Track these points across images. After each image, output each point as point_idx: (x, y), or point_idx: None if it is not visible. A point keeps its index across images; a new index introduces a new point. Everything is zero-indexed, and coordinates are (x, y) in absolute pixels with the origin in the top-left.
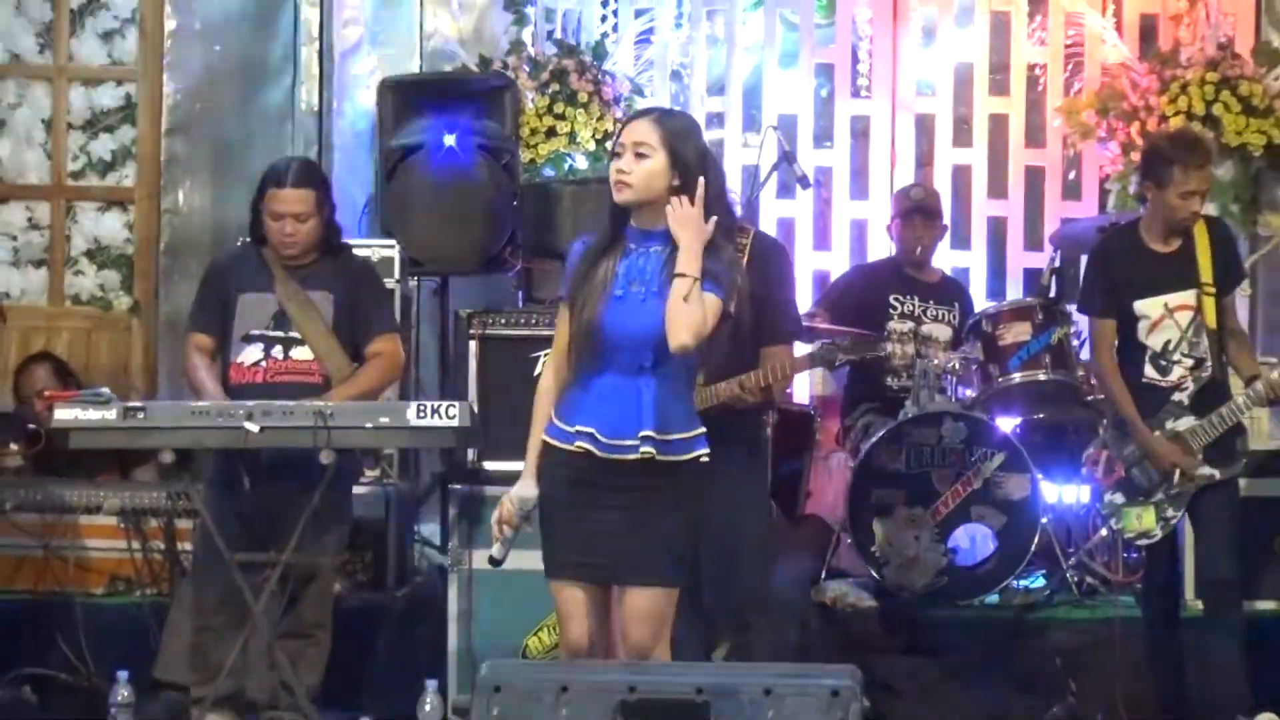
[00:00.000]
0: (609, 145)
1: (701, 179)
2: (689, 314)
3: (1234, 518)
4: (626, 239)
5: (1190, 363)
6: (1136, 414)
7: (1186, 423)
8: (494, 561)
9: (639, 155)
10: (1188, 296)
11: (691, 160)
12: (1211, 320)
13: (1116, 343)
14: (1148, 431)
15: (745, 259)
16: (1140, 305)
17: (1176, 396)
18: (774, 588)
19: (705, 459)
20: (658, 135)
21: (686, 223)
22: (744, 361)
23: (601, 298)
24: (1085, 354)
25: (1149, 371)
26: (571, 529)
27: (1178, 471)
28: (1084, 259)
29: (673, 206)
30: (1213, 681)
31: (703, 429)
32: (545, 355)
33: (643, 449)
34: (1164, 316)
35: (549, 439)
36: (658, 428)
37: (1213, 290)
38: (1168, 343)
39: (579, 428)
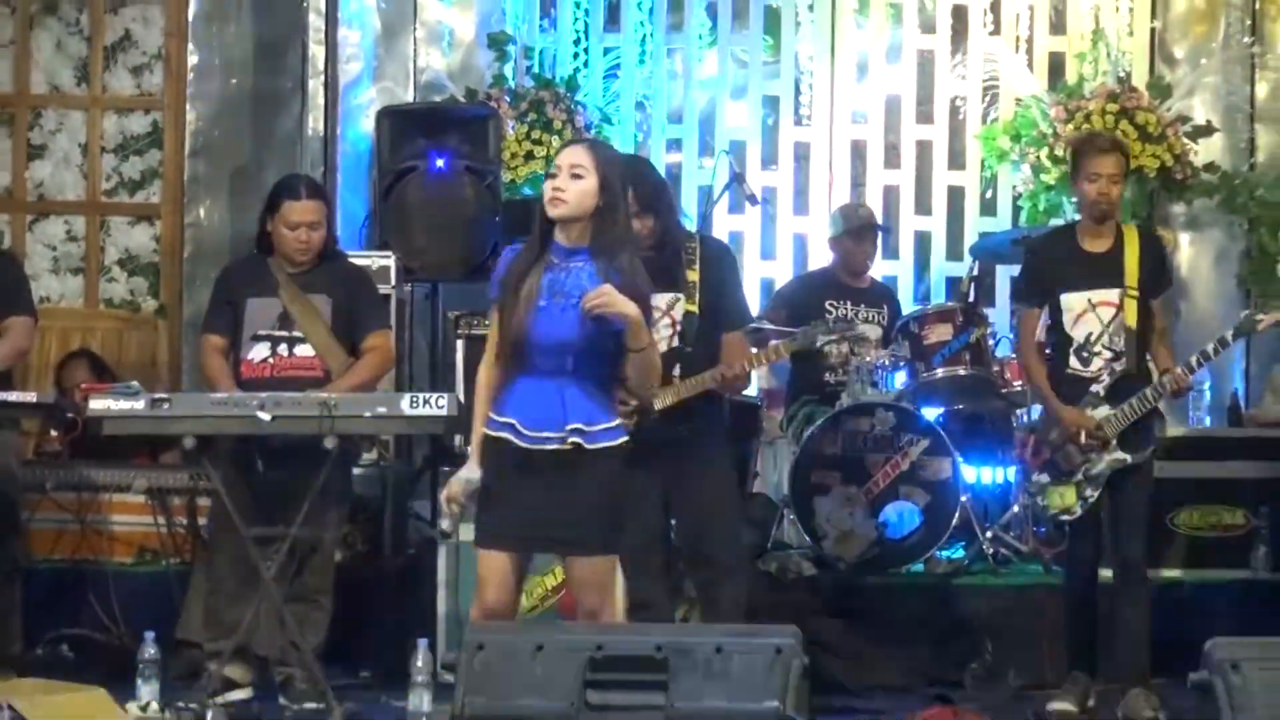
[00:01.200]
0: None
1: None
2: (656, 368)
3: (1146, 502)
4: (551, 253)
5: (1109, 355)
6: (1051, 393)
7: (1102, 412)
8: (444, 534)
9: (575, 176)
10: (1111, 294)
11: (616, 186)
12: (1132, 320)
13: (1040, 333)
14: (1058, 402)
15: (696, 261)
16: (1066, 298)
17: (1094, 388)
18: (742, 551)
19: (626, 444)
20: (592, 160)
21: (614, 300)
22: (710, 349)
23: (527, 307)
24: (1000, 351)
25: (1073, 362)
26: (503, 505)
27: (1083, 434)
28: (1000, 268)
29: (595, 299)
30: (1120, 647)
31: (619, 420)
32: None
33: (570, 439)
34: (1086, 310)
35: (485, 428)
36: (584, 421)
37: (1135, 293)
38: (1089, 335)
39: (505, 419)
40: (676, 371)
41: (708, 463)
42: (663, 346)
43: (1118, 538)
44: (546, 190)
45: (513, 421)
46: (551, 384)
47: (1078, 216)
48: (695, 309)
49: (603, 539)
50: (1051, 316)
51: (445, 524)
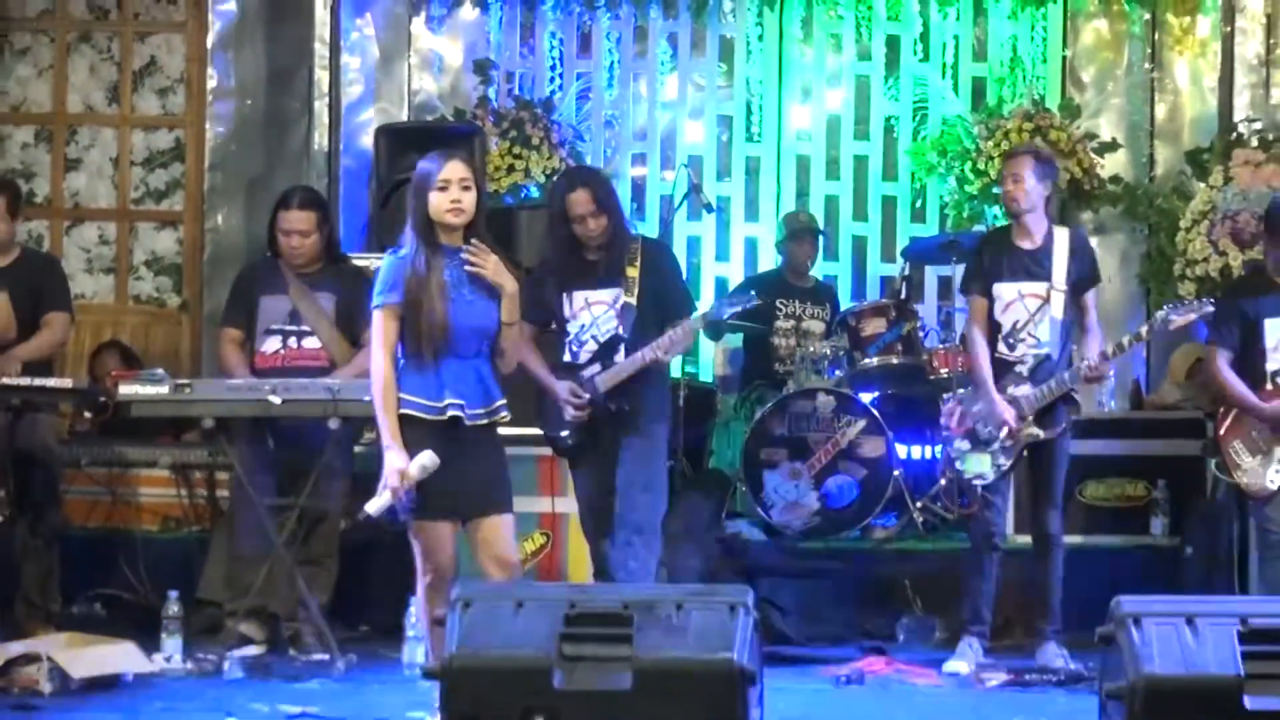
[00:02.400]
0: (554, 179)
1: None
2: (520, 342)
3: (1060, 476)
4: (442, 254)
5: (1033, 341)
6: (988, 375)
7: (1023, 390)
8: (366, 516)
9: (465, 188)
10: (1039, 288)
11: (484, 191)
12: (1058, 311)
13: (984, 318)
14: (994, 391)
15: (637, 260)
16: (998, 288)
17: (1018, 368)
18: (679, 516)
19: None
20: (471, 172)
21: (501, 270)
22: (649, 336)
23: (444, 302)
24: (929, 343)
25: (1000, 347)
26: (440, 480)
27: (1006, 427)
28: (928, 269)
29: (478, 257)
30: (1035, 605)
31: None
32: None
33: (501, 414)
34: (1015, 300)
35: (417, 414)
36: (499, 398)
37: (1063, 287)
38: (1016, 323)
39: (449, 401)
40: (620, 355)
41: (638, 432)
42: (608, 334)
43: (1034, 508)
44: (443, 201)
45: (460, 403)
46: (471, 366)
47: (1001, 221)
48: (633, 301)
49: (510, 498)
50: (989, 305)
51: (374, 507)
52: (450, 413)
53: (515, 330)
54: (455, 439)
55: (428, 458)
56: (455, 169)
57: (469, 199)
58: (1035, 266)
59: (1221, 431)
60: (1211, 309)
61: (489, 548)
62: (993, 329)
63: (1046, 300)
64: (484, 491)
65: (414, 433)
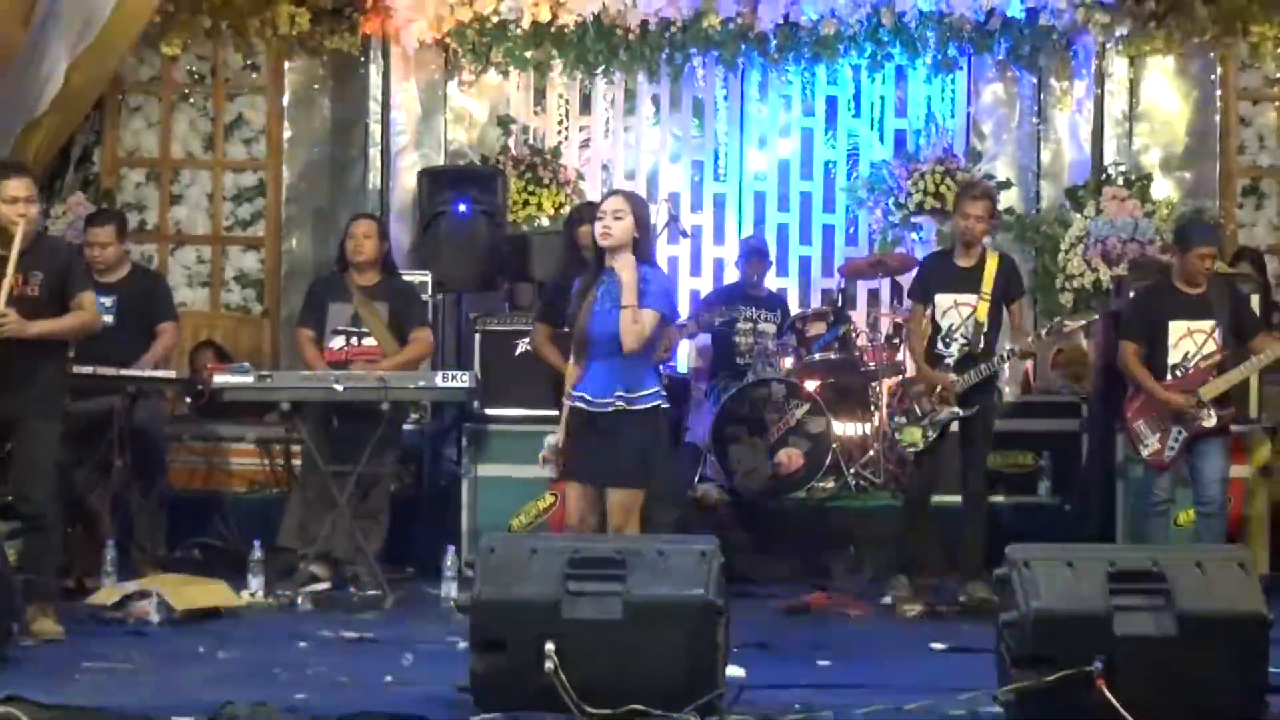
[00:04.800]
0: (564, 211)
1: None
2: (634, 330)
3: (984, 447)
4: (599, 274)
5: (963, 341)
6: (923, 361)
7: (950, 378)
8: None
9: (616, 218)
10: (970, 298)
11: (644, 222)
12: (983, 317)
13: (925, 321)
14: (927, 368)
15: None
16: (939, 298)
17: (946, 360)
18: (671, 484)
19: (663, 406)
20: (628, 205)
21: (625, 267)
22: None
23: (586, 316)
24: (861, 341)
25: (938, 345)
26: (577, 451)
27: (938, 389)
28: (860, 283)
29: (620, 263)
30: (963, 551)
31: (659, 387)
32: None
33: (617, 403)
34: (951, 307)
35: (568, 402)
36: (627, 389)
37: (989, 298)
38: (951, 325)
39: (579, 394)
40: None
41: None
42: None
43: (964, 474)
44: (596, 227)
45: (583, 395)
46: (612, 364)
47: (919, 245)
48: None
49: (633, 477)
50: (931, 311)
51: (551, 470)
52: (576, 404)
53: (634, 323)
54: (589, 422)
55: (550, 438)
56: (610, 202)
57: (619, 226)
58: (967, 281)
59: (1129, 413)
60: (1096, 318)
61: (608, 516)
62: (934, 330)
63: (975, 309)
64: (601, 467)
65: (572, 418)
